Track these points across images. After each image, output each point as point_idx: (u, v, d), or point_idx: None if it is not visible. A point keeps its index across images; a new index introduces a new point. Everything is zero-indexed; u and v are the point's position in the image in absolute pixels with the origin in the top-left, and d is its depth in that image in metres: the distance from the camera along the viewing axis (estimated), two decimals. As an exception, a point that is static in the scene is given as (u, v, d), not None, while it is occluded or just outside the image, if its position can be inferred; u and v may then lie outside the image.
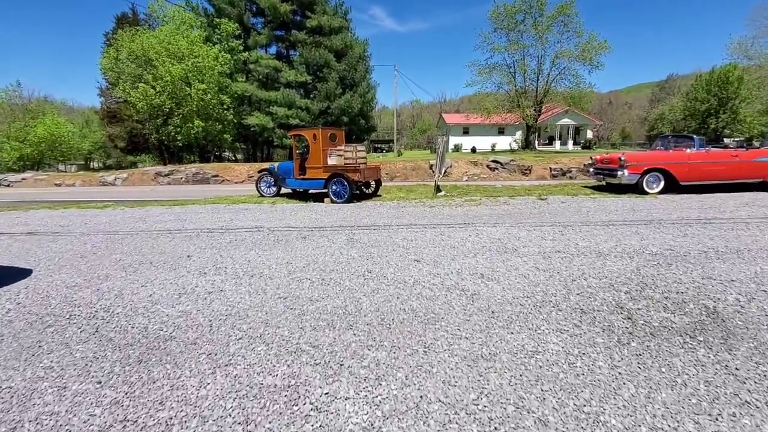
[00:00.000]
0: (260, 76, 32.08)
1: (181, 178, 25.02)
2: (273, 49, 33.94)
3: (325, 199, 10.13)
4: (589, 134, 42.22)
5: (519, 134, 40.35)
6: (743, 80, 35.37)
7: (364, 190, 11.11)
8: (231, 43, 29.39)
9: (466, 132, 42.58)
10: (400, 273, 4.22)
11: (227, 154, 42.82)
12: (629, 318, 2.99)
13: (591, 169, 11.54)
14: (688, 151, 9.85)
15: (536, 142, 33.30)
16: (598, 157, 11.21)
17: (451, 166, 25.97)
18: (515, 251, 4.97)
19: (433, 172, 25.19)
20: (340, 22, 31.98)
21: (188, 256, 5.21)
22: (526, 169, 25.17)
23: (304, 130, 10.74)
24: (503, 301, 3.35)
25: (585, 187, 11.77)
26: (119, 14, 34.26)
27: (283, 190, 11.48)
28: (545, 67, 30.81)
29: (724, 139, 40.60)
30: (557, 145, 39.79)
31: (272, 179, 11.41)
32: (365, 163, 10.32)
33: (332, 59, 30.67)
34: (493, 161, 25.21)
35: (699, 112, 35.67)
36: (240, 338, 2.80)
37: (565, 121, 39.80)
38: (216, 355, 2.56)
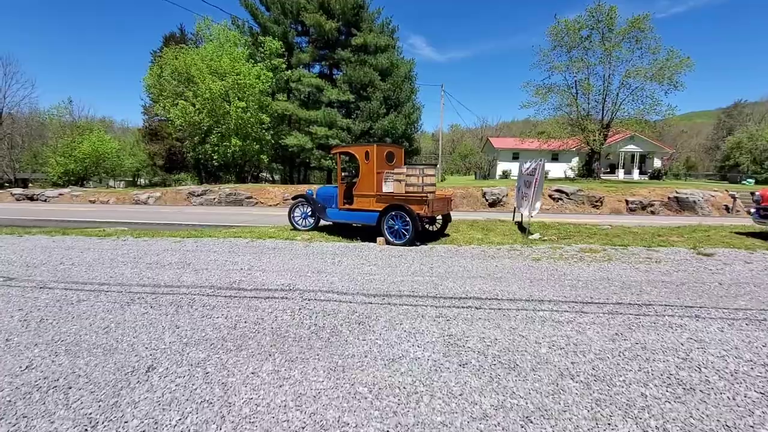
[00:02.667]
0: (302, 95, 30.74)
1: (214, 198, 23.53)
2: (316, 69, 32.76)
3: (378, 239, 7.55)
4: (657, 163, 37.84)
5: (575, 161, 36.74)
6: None
7: (428, 227, 8.48)
8: (274, 61, 28.30)
9: (515, 157, 39.32)
10: None
11: (264, 174, 41.83)
12: None
13: (752, 209, 8.29)
14: None
15: (599, 170, 29.71)
16: (765, 192, 8.01)
17: (506, 195, 23.08)
18: None
19: (486, 200, 22.30)
20: (387, 41, 30.33)
21: (148, 370, 2.70)
22: (596, 201, 21.76)
23: (353, 146, 8.33)
24: None
25: (734, 233, 8.52)
26: (167, 34, 34.48)
27: (323, 222, 9.04)
28: (613, 87, 27.57)
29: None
30: (620, 173, 35.74)
31: (309, 208, 9.01)
32: (434, 192, 7.70)
33: (377, 78, 28.85)
34: (557, 191, 22.08)
35: (793, 140, 30.81)
36: None
37: (631, 147, 35.80)
38: None
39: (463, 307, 3.97)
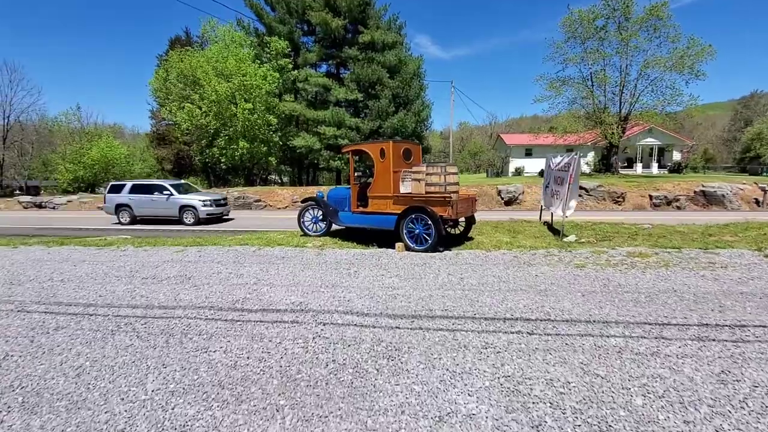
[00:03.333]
0: (309, 96, 30.22)
1: (222, 202, 23.04)
2: (323, 68, 32.17)
3: (397, 245, 6.85)
4: (677, 156, 36.50)
5: (591, 156, 35.59)
6: None
7: (450, 230, 7.76)
8: (280, 61, 27.76)
9: (528, 154, 38.29)
10: None
11: (273, 176, 41.43)
12: None
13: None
14: None
15: (617, 164, 28.56)
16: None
17: (522, 193, 22.27)
18: None
19: (502, 198, 21.46)
20: (394, 38, 29.62)
21: (117, 439, 2.05)
22: (618, 197, 20.79)
23: (366, 144, 7.65)
24: None
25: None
26: (173, 37, 34.20)
27: (335, 226, 8.35)
28: (631, 79, 26.48)
29: None
30: (638, 168, 34.49)
31: (320, 212, 8.35)
32: (457, 192, 6.98)
33: (385, 76, 28.16)
34: (578, 187, 21.05)
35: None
36: None
37: (649, 140, 34.55)
38: None
39: (511, 333, 3.25)
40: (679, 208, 19.84)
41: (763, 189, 19.28)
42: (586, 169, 34.81)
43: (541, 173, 33.65)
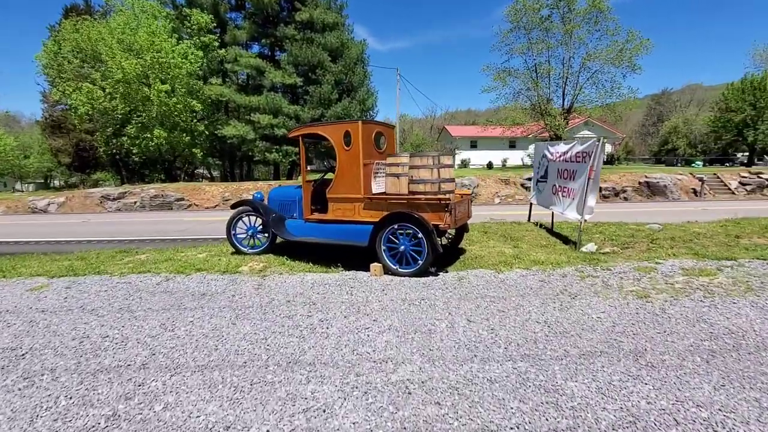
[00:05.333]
0: (239, 79, 26.83)
1: (135, 202, 19.35)
2: (255, 49, 28.78)
3: (373, 266, 4.88)
4: (609, 148, 38.31)
5: (532, 148, 36.09)
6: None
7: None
8: (204, 38, 24.07)
9: (473, 146, 37.98)
10: None
11: (202, 171, 37.03)
12: None
13: None
14: None
15: (560, 156, 28.84)
16: None
17: (477, 186, 21.34)
18: None
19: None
20: (335, 18, 27.13)
21: None
22: (570, 189, 20.55)
23: (323, 126, 5.51)
24: None
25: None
26: (69, 5, 28.48)
27: (280, 238, 6.15)
28: (574, 71, 26.67)
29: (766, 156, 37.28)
30: (576, 159, 35.61)
31: (258, 220, 6.10)
32: (454, 192, 5.16)
33: (327, 59, 25.66)
34: (529, 179, 20.65)
35: (733, 123, 31.99)
36: None
37: (585, 133, 35.68)
38: None
39: None
40: (626, 199, 20.02)
41: (700, 179, 20.06)
42: (528, 161, 35.25)
43: (490, 165, 33.44)
